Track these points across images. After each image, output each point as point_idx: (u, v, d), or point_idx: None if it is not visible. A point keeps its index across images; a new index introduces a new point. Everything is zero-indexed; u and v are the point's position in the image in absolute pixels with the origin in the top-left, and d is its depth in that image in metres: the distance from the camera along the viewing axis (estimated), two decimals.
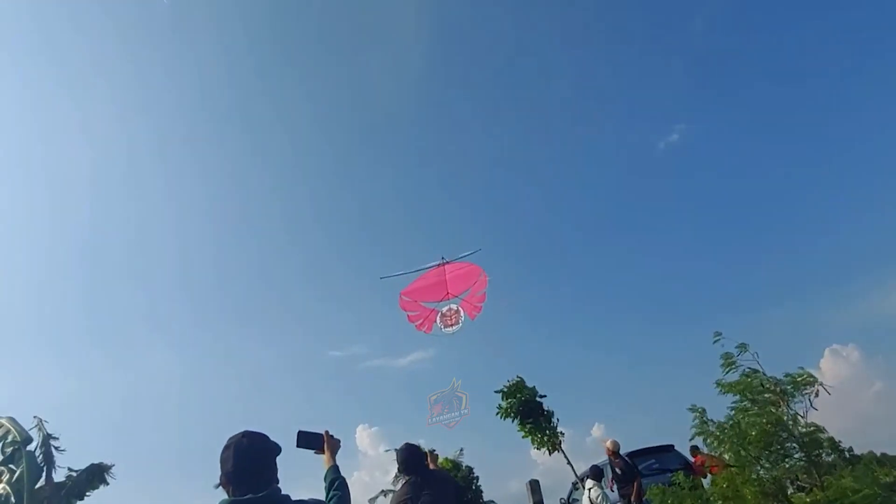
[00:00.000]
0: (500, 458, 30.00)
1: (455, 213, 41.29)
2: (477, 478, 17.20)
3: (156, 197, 42.42)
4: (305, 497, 2.27)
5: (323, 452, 2.83)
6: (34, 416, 11.00)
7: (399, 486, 4.02)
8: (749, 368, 6.13)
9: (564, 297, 40.19)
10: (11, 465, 10.31)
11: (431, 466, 4.12)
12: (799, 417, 5.80)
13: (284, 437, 2.35)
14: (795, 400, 5.89)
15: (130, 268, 41.62)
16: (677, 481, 7.14)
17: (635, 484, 9.24)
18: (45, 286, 39.74)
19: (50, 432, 10.91)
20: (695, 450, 10.60)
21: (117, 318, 40.41)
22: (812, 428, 5.67)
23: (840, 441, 5.84)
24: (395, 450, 3.99)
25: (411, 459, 3.85)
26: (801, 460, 5.77)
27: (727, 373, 6.24)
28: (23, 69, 38.91)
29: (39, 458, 10.55)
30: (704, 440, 6.39)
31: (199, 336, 42.51)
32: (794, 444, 5.75)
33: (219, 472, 2.09)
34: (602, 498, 8.76)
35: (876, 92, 32.51)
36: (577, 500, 11.38)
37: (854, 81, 33.98)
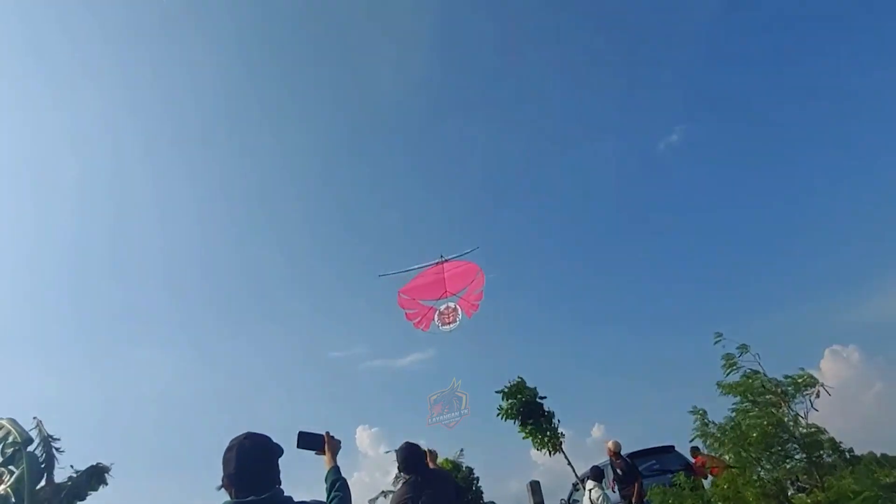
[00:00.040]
0: (500, 459, 29.98)
1: (455, 213, 41.34)
2: (477, 478, 17.20)
3: (145, 198, 42.33)
4: (307, 499, 2.26)
5: (324, 453, 2.83)
6: (34, 417, 11.02)
7: (399, 485, 4.02)
8: (750, 370, 6.14)
9: (565, 297, 40.21)
10: (12, 467, 10.31)
11: (431, 465, 4.11)
12: (800, 418, 5.80)
13: (284, 438, 2.35)
14: (796, 401, 5.89)
15: (116, 267, 41.54)
16: (678, 482, 7.14)
17: (636, 485, 9.23)
18: (31, 288, 39.68)
19: (50, 433, 10.93)
20: (695, 451, 10.59)
21: (117, 318, 40.42)
22: (813, 429, 5.67)
23: (841, 442, 5.85)
24: (395, 450, 3.98)
25: (411, 458, 3.85)
26: (802, 461, 5.77)
27: (728, 374, 6.25)
28: (9, 70, 38.84)
29: (41, 459, 10.55)
30: (705, 442, 6.40)
31: (200, 336, 42.56)
32: (795, 446, 5.76)
33: (220, 474, 2.08)
34: (603, 499, 8.74)
35: (876, 92, 32.50)
36: (578, 501, 11.37)
37: (854, 81, 34.01)
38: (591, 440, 25.05)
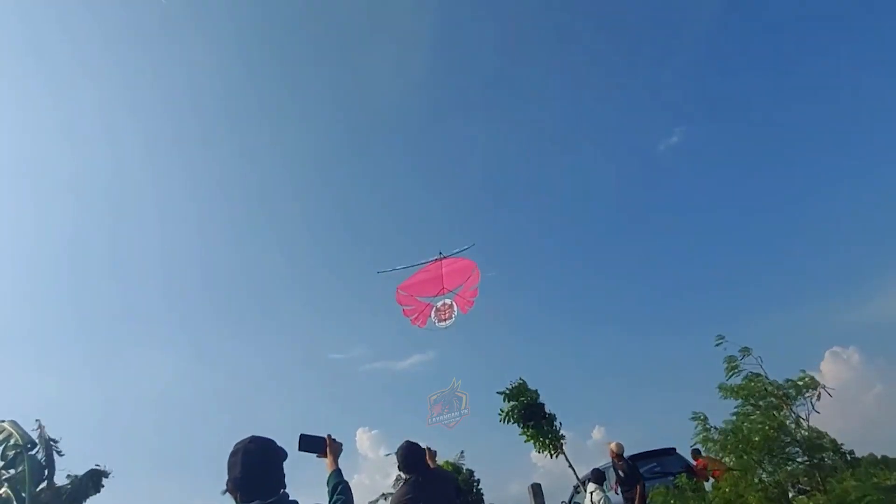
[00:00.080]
0: (500, 461, 29.93)
1: (455, 213, 41.29)
2: (478, 481, 17.21)
3: (145, 199, 42.31)
4: (310, 503, 2.26)
5: (325, 456, 2.81)
6: (35, 420, 11.03)
7: (399, 486, 4.01)
8: (751, 372, 6.14)
9: (565, 298, 40.17)
10: (12, 470, 10.32)
11: (431, 465, 4.10)
12: (801, 420, 5.81)
13: (285, 440, 2.32)
14: (797, 403, 5.90)
15: (115, 267, 41.52)
16: (680, 484, 7.14)
17: (638, 487, 9.21)
18: (31, 288, 39.63)
19: (51, 437, 10.94)
20: (696, 453, 10.57)
21: (117, 320, 40.42)
22: (815, 434, 5.68)
23: (842, 444, 5.86)
24: (396, 453, 3.98)
25: (411, 457, 3.84)
26: (803, 464, 5.77)
27: (730, 377, 6.25)
28: (9, 69, 38.86)
29: (42, 462, 10.56)
30: (706, 448, 6.40)
31: (199, 338, 42.56)
32: (797, 449, 5.76)
33: (221, 475, 2.06)
34: (604, 501, 8.73)
35: (875, 92, 32.50)
36: None
37: (854, 82, 34.00)
38: (591, 442, 25.02)
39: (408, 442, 3.94)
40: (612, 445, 9.71)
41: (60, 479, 11.01)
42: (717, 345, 6.31)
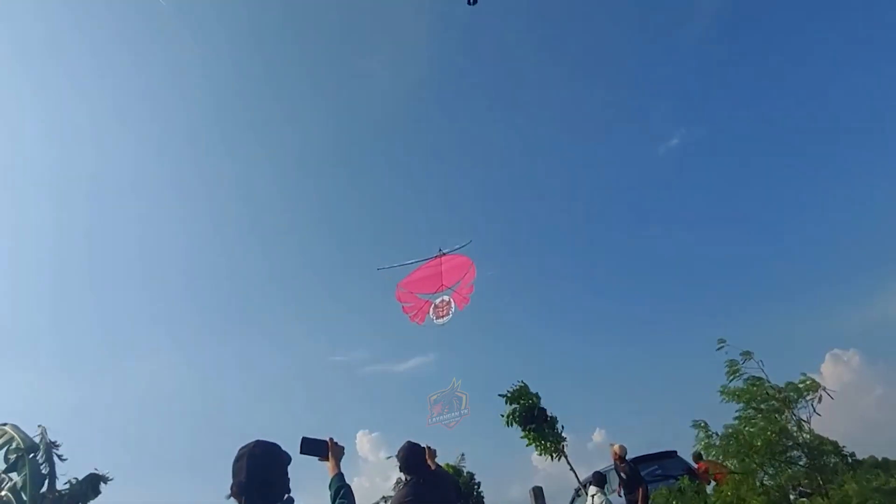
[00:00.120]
0: (501, 464, 29.80)
1: (456, 213, 41.21)
2: (478, 484, 17.18)
3: (160, 199, 42.19)
4: None
5: (327, 459, 2.79)
6: (38, 426, 11.02)
7: (399, 488, 4.01)
8: (752, 376, 6.15)
9: (565, 298, 40.10)
10: (14, 473, 10.31)
11: (431, 464, 4.11)
12: (803, 423, 5.81)
13: (285, 443, 2.31)
14: (799, 406, 5.90)
15: (116, 273, 41.32)
16: (682, 486, 7.13)
17: (641, 490, 9.19)
18: (28, 293, 39.52)
19: (53, 440, 10.93)
20: (698, 456, 10.55)
21: (117, 321, 40.37)
22: (816, 441, 5.69)
23: (844, 446, 5.86)
24: (397, 454, 3.98)
25: (412, 458, 3.85)
26: (805, 467, 5.77)
27: (732, 380, 6.26)
28: (30, 69, 38.86)
29: (43, 466, 10.55)
30: (708, 454, 6.41)
31: (200, 341, 42.43)
32: (798, 452, 5.77)
33: (223, 479, 2.06)
34: None
35: (875, 93, 32.54)
36: None
37: (854, 82, 34.06)
38: (591, 445, 24.95)
39: (409, 442, 3.94)
40: (616, 447, 9.68)
41: (61, 484, 11.03)
42: (719, 348, 6.33)
